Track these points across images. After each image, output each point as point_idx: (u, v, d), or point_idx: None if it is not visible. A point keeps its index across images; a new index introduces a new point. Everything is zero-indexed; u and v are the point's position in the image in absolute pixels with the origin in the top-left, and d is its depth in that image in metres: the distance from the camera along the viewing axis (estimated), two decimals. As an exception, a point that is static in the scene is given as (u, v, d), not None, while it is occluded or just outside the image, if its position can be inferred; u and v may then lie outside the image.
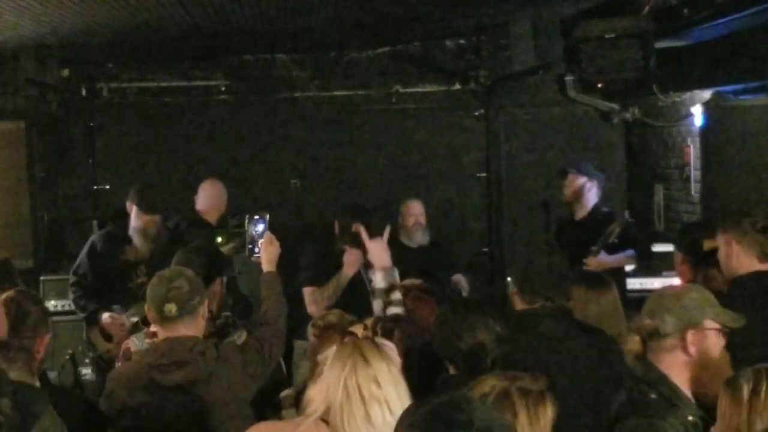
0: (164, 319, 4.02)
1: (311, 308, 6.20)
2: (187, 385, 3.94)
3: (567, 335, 4.26)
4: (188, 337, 4.03)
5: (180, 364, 3.95)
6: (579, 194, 7.26)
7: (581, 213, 7.27)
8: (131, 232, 6.70)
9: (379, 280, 5.13)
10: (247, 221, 5.08)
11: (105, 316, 6.52)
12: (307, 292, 6.33)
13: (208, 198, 7.15)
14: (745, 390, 2.84)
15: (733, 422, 2.84)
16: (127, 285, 6.64)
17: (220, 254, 5.49)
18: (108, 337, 6.52)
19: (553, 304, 4.33)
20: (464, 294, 6.95)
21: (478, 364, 3.81)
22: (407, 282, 5.19)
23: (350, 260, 6.25)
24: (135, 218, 6.69)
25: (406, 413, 2.23)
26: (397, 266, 5.48)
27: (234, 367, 4.11)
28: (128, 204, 6.78)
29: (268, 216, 5.10)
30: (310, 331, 4.72)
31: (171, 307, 3.98)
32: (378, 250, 5.30)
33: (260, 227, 5.04)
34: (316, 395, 3.11)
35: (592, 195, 7.28)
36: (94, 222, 8.59)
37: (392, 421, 2.92)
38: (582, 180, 7.28)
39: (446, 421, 2.09)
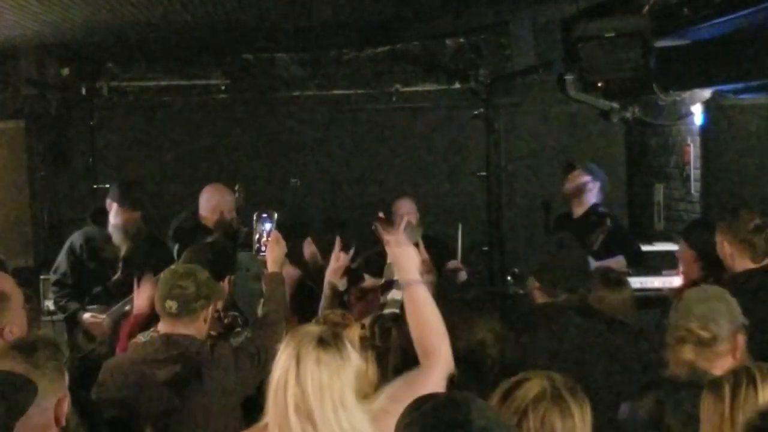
0: (165, 314, 4.10)
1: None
2: (176, 383, 3.98)
3: (592, 327, 4.27)
4: (184, 336, 4.08)
5: (172, 360, 4.00)
6: (581, 191, 7.27)
7: (579, 210, 7.28)
8: (110, 229, 6.65)
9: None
10: (255, 219, 5.02)
11: (86, 317, 6.50)
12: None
13: (204, 203, 7.08)
14: (727, 388, 2.85)
15: (716, 420, 2.84)
16: (104, 284, 6.62)
17: (229, 253, 5.47)
18: (90, 338, 6.48)
19: (576, 297, 4.34)
20: (461, 280, 6.94)
21: (478, 363, 3.80)
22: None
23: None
24: (115, 215, 6.65)
25: (405, 412, 2.19)
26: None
27: (226, 369, 4.13)
28: (108, 201, 6.74)
29: (276, 215, 5.03)
30: None
31: (171, 305, 4.03)
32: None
33: (267, 226, 4.97)
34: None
35: (592, 195, 7.28)
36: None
37: None
38: (586, 178, 7.29)
39: (445, 421, 2.07)
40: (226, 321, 4.79)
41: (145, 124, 9.34)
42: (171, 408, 3.98)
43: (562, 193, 7.47)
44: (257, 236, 4.98)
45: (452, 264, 7.04)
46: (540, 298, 4.42)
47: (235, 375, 4.14)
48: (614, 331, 4.33)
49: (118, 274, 6.52)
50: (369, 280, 5.33)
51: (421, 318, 3.43)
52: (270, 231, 4.93)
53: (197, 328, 4.12)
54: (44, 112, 8.92)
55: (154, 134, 9.34)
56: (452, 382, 3.87)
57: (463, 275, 6.98)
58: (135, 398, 4.02)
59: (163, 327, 4.15)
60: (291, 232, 5.69)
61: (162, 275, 4.19)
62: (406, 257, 3.56)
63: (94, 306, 6.52)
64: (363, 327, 4.08)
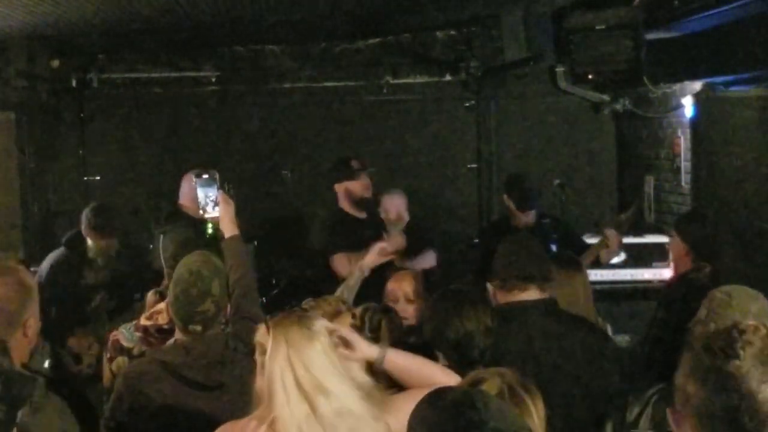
0: (187, 332, 3.96)
1: (344, 271, 6.15)
2: (228, 383, 3.83)
3: (555, 327, 4.27)
4: (219, 336, 3.97)
5: (222, 363, 3.87)
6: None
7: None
8: (91, 255, 6.54)
9: None
10: (195, 182, 4.63)
11: (71, 341, 6.36)
12: (340, 256, 6.28)
13: (187, 191, 7.00)
14: None
15: None
16: (84, 309, 6.49)
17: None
18: (78, 360, 6.37)
19: (538, 297, 4.33)
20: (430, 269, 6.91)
21: (466, 354, 3.82)
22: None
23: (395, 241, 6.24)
24: (93, 242, 6.55)
25: (419, 406, 2.18)
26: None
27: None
28: (84, 228, 6.64)
29: (217, 174, 4.62)
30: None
31: (196, 328, 3.91)
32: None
33: (212, 189, 4.56)
34: (263, 390, 3.00)
35: None
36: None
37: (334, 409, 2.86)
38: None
39: (460, 419, 2.05)
40: None
41: (136, 116, 9.33)
42: (225, 411, 3.69)
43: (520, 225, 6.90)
44: (202, 200, 4.57)
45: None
46: (501, 297, 4.38)
47: None
48: (576, 329, 4.32)
49: (100, 302, 6.44)
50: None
51: (415, 376, 3.27)
52: (216, 194, 4.54)
53: (219, 328, 4.03)
54: (34, 104, 8.89)
55: (145, 126, 9.34)
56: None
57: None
58: (184, 405, 3.83)
59: (185, 335, 3.99)
60: None
61: (175, 296, 3.96)
62: None
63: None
64: (354, 317, 4.09)
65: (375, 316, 4.17)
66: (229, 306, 4.16)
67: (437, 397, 2.18)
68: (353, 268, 5.95)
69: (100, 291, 6.51)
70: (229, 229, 4.49)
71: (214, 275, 3.99)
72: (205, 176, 4.59)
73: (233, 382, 3.83)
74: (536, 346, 4.16)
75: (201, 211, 4.59)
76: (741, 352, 2.12)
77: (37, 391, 3.02)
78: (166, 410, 3.82)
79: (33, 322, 3.45)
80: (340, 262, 6.27)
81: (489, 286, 4.43)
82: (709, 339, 2.19)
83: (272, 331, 2.99)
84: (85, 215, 6.64)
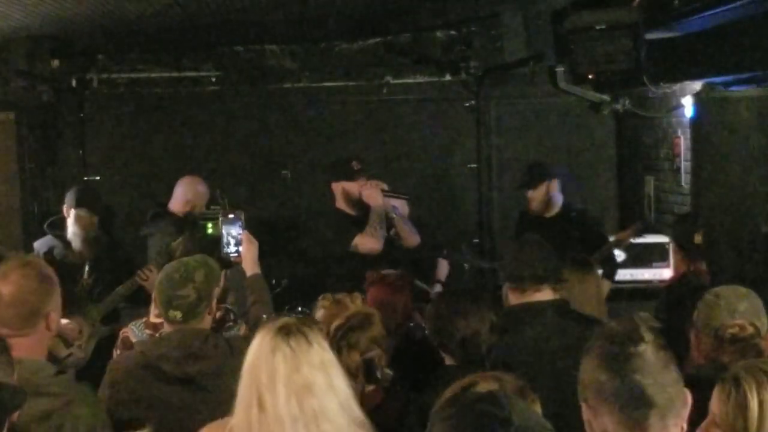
0: (169, 320, 4.00)
1: (375, 246, 6.36)
2: (199, 378, 3.87)
3: (569, 328, 4.27)
4: (200, 330, 3.98)
5: (195, 356, 3.89)
6: (549, 199, 7.28)
7: (552, 212, 7.30)
8: (70, 236, 6.52)
9: None
10: (220, 221, 4.84)
11: (63, 322, 6.35)
12: (358, 237, 6.39)
13: (180, 196, 7.00)
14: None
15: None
16: (72, 289, 6.50)
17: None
18: (66, 343, 6.38)
19: (552, 297, 4.33)
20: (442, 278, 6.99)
21: (473, 352, 3.83)
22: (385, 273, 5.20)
23: (370, 194, 6.45)
24: (74, 221, 6.55)
25: (442, 404, 2.17)
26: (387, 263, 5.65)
27: (243, 361, 4.05)
28: (65, 207, 6.64)
29: (243, 214, 4.85)
30: (321, 303, 4.67)
31: (176, 314, 3.94)
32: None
33: (236, 226, 4.79)
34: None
35: (558, 195, 7.29)
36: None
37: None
38: (545, 184, 7.30)
39: (485, 417, 2.03)
40: (217, 315, 4.76)
41: (136, 116, 9.32)
42: (194, 404, 3.83)
43: (532, 210, 7.40)
44: (225, 238, 4.78)
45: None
46: (514, 298, 4.39)
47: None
48: (592, 332, 4.32)
49: (88, 279, 6.45)
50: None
51: None
52: (240, 233, 4.76)
53: (204, 324, 4.04)
54: (34, 104, 8.89)
55: (145, 126, 9.33)
56: (446, 371, 3.90)
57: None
58: (156, 397, 3.89)
59: (170, 327, 4.04)
60: None
61: (158, 281, 4.04)
62: None
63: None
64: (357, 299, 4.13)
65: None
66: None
67: (460, 396, 2.18)
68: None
69: (83, 270, 6.52)
70: (251, 269, 4.66)
71: (202, 266, 4.04)
72: (231, 216, 4.80)
73: (204, 378, 3.87)
74: (550, 347, 4.15)
75: (225, 248, 4.76)
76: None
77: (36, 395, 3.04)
78: (140, 401, 3.88)
79: (55, 314, 3.48)
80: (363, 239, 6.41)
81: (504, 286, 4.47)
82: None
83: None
84: (67, 197, 6.65)
